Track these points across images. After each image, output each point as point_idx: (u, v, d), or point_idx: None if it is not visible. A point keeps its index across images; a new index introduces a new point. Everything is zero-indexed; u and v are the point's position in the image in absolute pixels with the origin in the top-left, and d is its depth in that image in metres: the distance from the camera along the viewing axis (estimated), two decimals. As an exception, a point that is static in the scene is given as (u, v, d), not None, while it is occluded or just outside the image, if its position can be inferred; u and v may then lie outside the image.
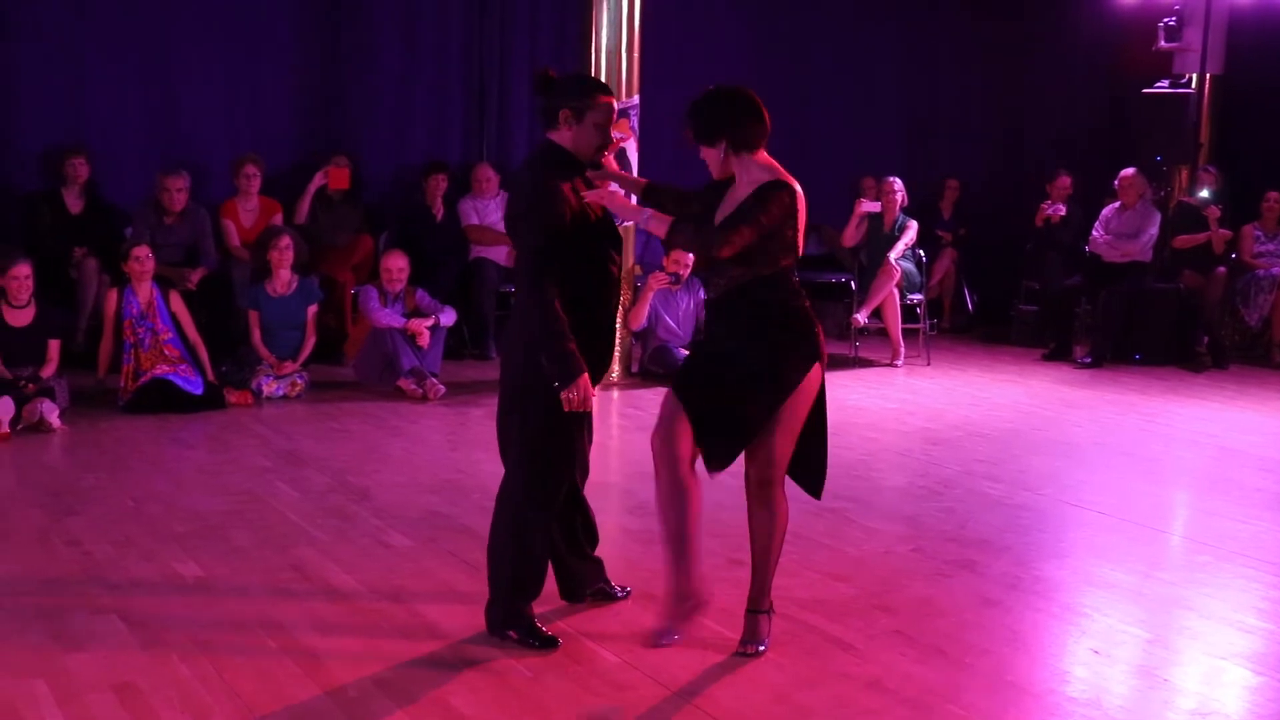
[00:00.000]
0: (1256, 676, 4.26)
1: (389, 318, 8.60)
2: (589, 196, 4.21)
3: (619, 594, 4.77)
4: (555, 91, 4.29)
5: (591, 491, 4.69)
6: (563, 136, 4.28)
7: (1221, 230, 10.73)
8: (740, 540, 5.44)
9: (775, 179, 4.10)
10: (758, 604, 4.34)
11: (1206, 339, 10.52)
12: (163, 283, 8.24)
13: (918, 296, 10.48)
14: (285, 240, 8.62)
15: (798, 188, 4.12)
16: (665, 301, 9.31)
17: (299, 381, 8.37)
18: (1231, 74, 11.85)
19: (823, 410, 4.27)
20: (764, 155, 4.18)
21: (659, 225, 4.20)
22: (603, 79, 8.72)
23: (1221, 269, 10.73)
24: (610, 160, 4.42)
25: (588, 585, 4.70)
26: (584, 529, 4.66)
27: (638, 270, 9.43)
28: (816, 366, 4.16)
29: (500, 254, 10.05)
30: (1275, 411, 8.73)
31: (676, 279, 9.05)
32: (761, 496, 4.25)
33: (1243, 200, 11.12)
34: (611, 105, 4.33)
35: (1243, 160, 11.86)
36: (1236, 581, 5.20)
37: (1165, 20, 11.57)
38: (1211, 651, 4.45)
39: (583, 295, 4.23)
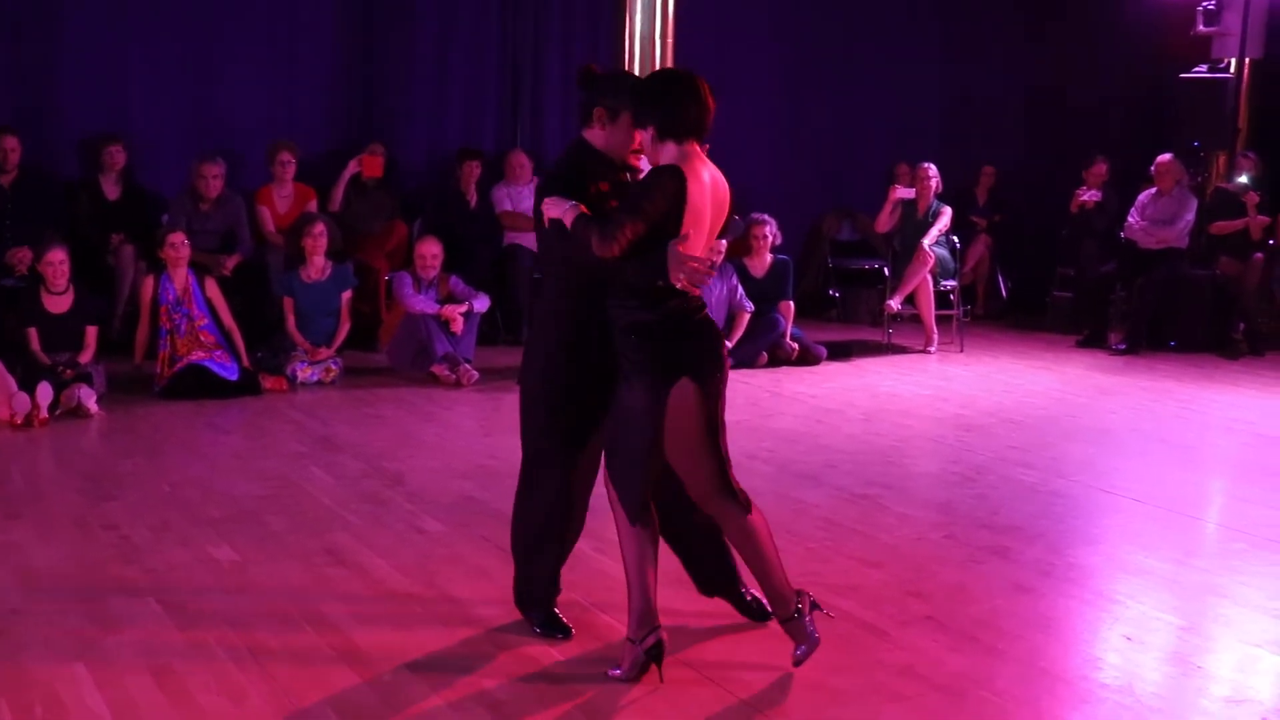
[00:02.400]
0: (1292, 665, 4.24)
1: (423, 304, 8.63)
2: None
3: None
4: (595, 88, 4.12)
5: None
6: (595, 135, 4.12)
7: (1260, 216, 10.63)
8: (779, 534, 5.46)
9: (671, 165, 3.82)
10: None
11: (1243, 325, 10.42)
12: (198, 269, 8.30)
13: (951, 283, 10.44)
14: (319, 227, 8.67)
15: (707, 179, 3.87)
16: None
17: (333, 367, 8.43)
18: (1271, 58, 11.70)
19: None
20: (693, 147, 3.90)
21: (558, 208, 3.91)
22: (636, 66, 8.73)
23: (1259, 255, 10.63)
24: (641, 161, 4.14)
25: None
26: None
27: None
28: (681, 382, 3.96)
29: (533, 240, 10.03)
30: (1313, 399, 8.66)
31: (711, 266, 8.97)
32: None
33: (1281, 186, 11.02)
34: None
35: (1282, 146, 11.73)
36: (1271, 569, 5.17)
37: (1203, 4, 11.43)
38: (1246, 639, 4.43)
39: (576, 301, 4.07)
